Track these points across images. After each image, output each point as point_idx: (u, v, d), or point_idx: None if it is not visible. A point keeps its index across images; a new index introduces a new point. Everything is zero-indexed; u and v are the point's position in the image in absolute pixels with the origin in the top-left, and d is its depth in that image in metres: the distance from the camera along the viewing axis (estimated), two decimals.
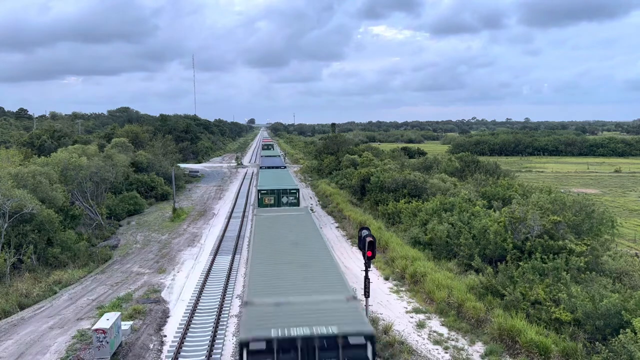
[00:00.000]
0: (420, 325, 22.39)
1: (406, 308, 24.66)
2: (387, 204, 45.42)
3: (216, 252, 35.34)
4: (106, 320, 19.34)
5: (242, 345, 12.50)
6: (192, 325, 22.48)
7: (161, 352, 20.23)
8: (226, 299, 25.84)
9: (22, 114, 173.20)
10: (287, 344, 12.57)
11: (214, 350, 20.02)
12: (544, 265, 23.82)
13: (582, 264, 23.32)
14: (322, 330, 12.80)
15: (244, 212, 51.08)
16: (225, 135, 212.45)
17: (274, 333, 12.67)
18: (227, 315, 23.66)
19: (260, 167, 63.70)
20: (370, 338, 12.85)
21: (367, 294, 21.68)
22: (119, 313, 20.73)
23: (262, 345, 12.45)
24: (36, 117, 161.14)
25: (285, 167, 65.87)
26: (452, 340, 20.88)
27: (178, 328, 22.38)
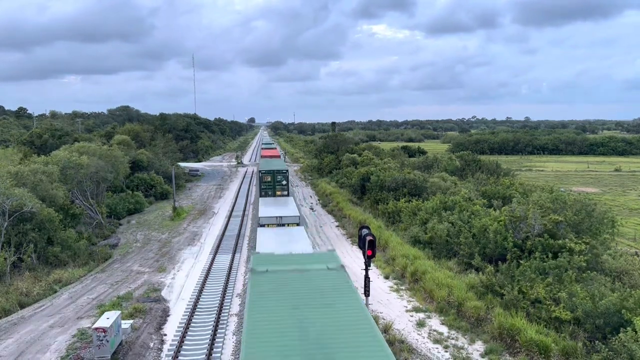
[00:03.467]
0: (420, 324, 22.40)
1: (406, 307, 24.67)
2: (387, 203, 45.42)
3: (216, 250, 35.36)
4: (106, 319, 19.34)
5: None
6: (192, 324, 22.49)
7: (161, 350, 20.25)
8: (226, 297, 25.86)
9: (21, 113, 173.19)
10: None
11: (214, 349, 20.05)
12: (544, 264, 23.84)
13: (583, 263, 23.35)
14: None
15: (244, 211, 51.11)
16: (225, 134, 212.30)
17: None
18: (227, 314, 23.69)
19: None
20: None
21: (367, 292, 21.76)
22: (119, 312, 20.74)
23: None
24: (36, 116, 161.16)
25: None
26: (452, 339, 20.89)
27: (178, 327, 22.40)
